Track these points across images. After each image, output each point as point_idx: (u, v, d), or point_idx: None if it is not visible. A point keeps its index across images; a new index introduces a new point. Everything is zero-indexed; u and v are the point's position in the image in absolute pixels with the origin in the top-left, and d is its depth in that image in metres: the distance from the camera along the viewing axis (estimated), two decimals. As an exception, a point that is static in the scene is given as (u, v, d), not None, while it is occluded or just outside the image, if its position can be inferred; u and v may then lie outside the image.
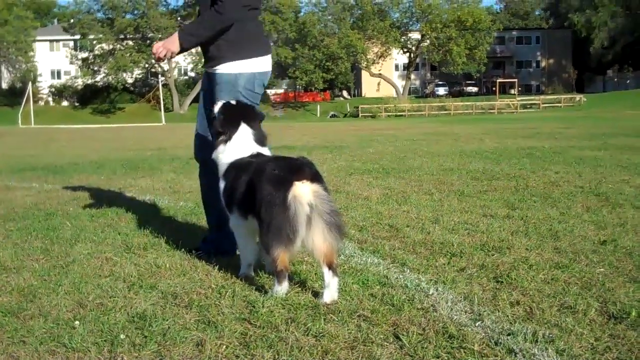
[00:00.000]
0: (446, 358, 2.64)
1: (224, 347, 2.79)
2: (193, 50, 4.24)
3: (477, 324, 2.98)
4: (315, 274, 3.84)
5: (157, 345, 2.82)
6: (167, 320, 3.11)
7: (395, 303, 3.28)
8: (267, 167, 3.57)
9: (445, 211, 5.91)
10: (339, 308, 3.23)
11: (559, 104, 67.27)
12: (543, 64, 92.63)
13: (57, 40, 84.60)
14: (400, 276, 3.79)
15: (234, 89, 4.27)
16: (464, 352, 2.68)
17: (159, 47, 4.32)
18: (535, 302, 3.28)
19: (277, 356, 2.69)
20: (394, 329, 2.95)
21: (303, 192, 3.33)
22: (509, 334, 2.84)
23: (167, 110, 65.04)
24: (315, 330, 2.93)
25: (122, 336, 2.90)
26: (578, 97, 70.59)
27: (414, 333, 2.87)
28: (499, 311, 3.16)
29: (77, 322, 3.10)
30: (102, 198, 7.21)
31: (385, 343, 2.80)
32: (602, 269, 3.86)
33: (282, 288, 3.45)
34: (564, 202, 6.27)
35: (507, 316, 3.08)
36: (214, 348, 2.77)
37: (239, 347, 2.80)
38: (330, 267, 3.36)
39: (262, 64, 4.38)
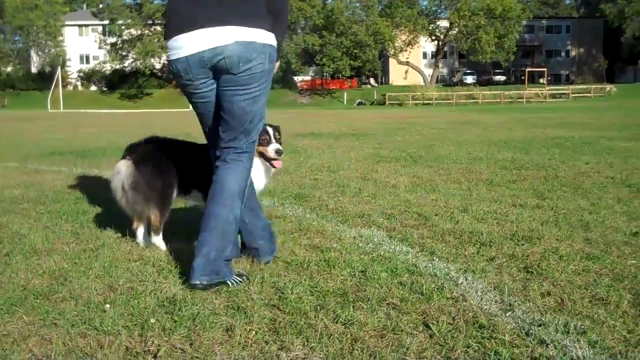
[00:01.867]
0: (477, 348, 2.62)
1: (253, 332, 2.80)
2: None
3: (507, 314, 2.95)
4: (344, 261, 3.83)
5: (187, 330, 2.83)
6: (197, 305, 3.12)
7: (424, 292, 3.26)
8: None
9: (474, 200, 5.87)
10: (368, 296, 3.22)
11: (589, 94, 66.63)
12: (573, 53, 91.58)
13: (86, 25, 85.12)
14: (429, 265, 3.77)
15: None
16: (495, 342, 2.66)
17: None
18: (566, 293, 3.25)
19: (306, 342, 2.69)
20: (424, 318, 2.94)
21: (119, 167, 4.17)
22: (540, 325, 2.82)
23: (194, 96, 64.71)
24: (344, 318, 2.92)
25: (152, 320, 2.92)
26: (608, 87, 69.89)
27: (444, 322, 2.86)
28: (529, 301, 3.13)
29: (107, 306, 3.12)
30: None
31: (415, 332, 2.79)
32: (634, 261, 3.82)
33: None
34: (595, 192, 6.20)
35: (538, 307, 3.06)
36: (243, 333, 2.78)
37: (268, 332, 2.81)
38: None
39: (170, 48, 3.55)
